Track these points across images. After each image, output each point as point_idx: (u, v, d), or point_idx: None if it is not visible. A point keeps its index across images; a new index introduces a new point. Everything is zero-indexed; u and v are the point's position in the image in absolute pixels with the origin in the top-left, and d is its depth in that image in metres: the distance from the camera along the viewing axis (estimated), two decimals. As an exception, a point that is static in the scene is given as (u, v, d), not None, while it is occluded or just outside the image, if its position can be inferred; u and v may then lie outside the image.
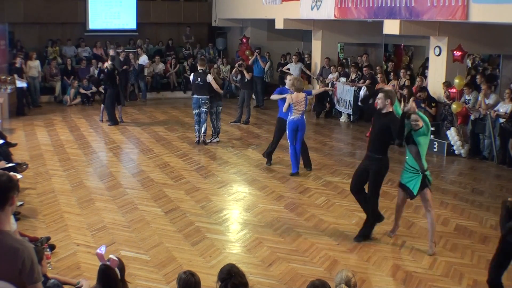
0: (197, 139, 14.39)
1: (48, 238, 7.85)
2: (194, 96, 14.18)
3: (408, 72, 16.89)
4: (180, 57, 23.81)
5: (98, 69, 17.51)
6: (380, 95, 8.06)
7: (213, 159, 13.03)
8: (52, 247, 7.57)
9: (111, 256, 4.94)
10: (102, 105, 17.10)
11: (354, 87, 17.06)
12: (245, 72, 17.40)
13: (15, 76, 17.82)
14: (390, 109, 7.97)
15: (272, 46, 23.10)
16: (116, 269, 4.88)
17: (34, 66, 19.33)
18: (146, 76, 21.43)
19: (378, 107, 8.15)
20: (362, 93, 16.43)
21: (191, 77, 14.40)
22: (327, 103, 18.44)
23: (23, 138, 14.62)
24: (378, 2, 14.60)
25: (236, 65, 18.31)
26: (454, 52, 13.80)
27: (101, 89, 18.90)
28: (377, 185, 8.26)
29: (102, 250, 4.92)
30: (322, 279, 4.84)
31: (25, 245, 3.88)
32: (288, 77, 12.13)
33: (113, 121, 16.55)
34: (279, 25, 19.54)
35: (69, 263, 7.37)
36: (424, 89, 14.63)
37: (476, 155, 13.52)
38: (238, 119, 17.22)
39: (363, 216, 8.90)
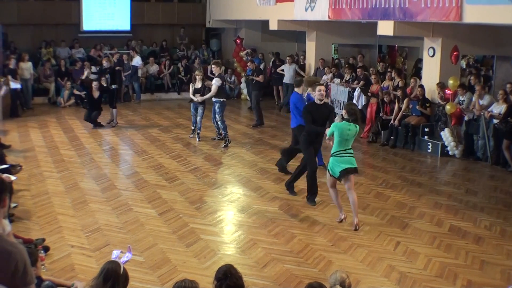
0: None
1: (43, 240, 7.83)
2: (224, 100, 14.29)
3: (402, 73, 16.94)
4: (174, 58, 23.79)
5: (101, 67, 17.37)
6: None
7: (207, 160, 13.01)
8: (46, 249, 7.55)
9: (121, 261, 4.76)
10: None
11: (348, 88, 17.05)
12: (254, 77, 17.60)
13: (9, 77, 17.73)
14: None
15: (266, 47, 23.08)
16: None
17: (26, 68, 19.16)
18: (140, 77, 21.41)
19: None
20: (356, 93, 16.43)
21: (219, 82, 14.13)
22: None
23: (17, 139, 14.56)
24: (372, 3, 14.58)
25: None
26: (455, 53, 13.85)
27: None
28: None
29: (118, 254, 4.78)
30: (319, 281, 4.83)
31: (18, 247, 3.86)
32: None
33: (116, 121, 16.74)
34: (273, 26, 19.51)
35: (63, 265, 7.34)
36: (421, 86, 14.60)
37: (470, 156, 13.54)
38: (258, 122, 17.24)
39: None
